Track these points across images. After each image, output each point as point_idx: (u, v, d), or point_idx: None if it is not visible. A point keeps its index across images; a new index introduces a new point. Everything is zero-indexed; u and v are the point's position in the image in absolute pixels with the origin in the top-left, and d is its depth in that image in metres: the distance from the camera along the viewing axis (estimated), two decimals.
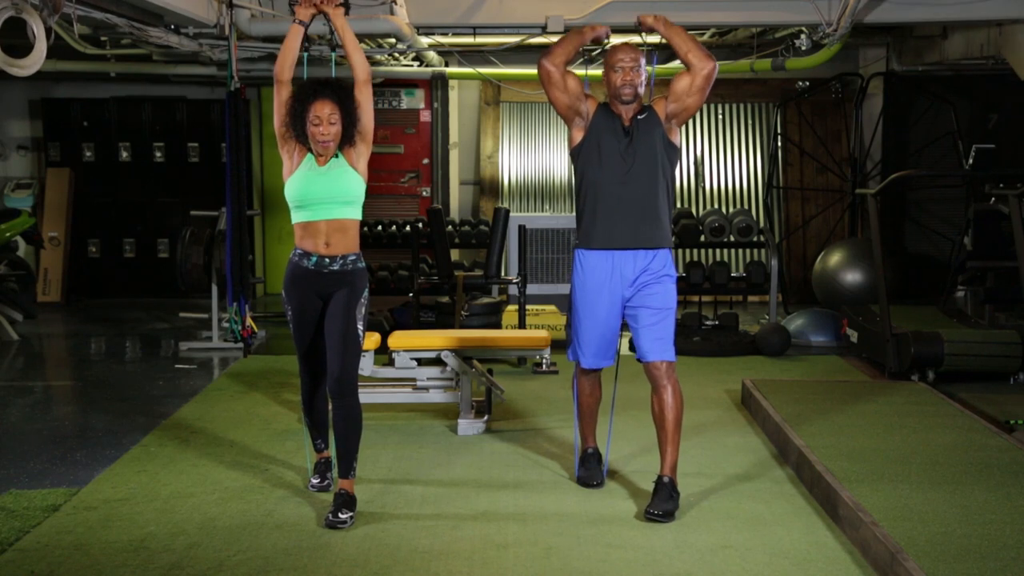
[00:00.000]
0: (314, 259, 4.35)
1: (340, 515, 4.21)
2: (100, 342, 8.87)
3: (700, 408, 6.18)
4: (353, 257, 4.39)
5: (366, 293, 4.42)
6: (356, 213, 4.40)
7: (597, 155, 4.50)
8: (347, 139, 4.34)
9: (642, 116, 4.50)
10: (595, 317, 4.55)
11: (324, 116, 4.27)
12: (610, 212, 4.48)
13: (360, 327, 4.36)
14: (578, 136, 4.57)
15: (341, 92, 4.33)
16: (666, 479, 4.40)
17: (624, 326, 4.66)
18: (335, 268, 4.35)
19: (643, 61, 4.48)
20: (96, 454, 5.26)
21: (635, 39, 9.11)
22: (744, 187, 10.95)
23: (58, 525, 4.21)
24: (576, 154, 4.59)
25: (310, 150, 4.36)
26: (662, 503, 4.31)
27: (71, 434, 5.72)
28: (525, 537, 4.09)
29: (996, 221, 7.80)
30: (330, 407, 4.50)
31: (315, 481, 4.68)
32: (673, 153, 4.56)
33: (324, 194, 4.32)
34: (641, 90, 4.47)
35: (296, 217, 4.37)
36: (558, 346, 6.88)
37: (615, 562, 3.85)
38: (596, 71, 9.08)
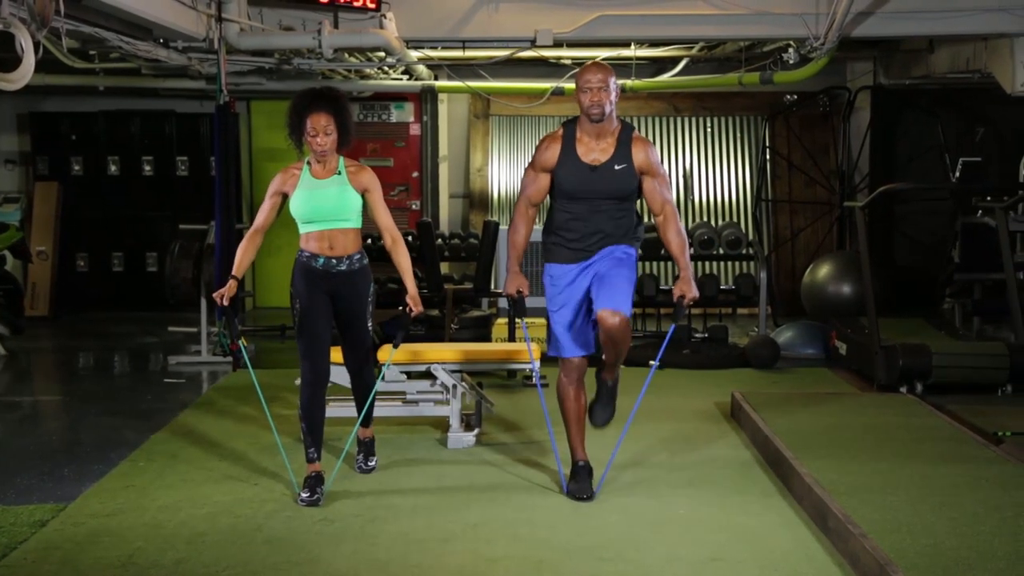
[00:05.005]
0: (321, 260, 4.71)
1: (369, 463, 5.12)
2: (88, 356, 8.84)
3: (689, 420, 6.18)
4: (358, 256, 4.79)
5: (372, 289, 4.86)
6: (357, 223, 4.78)
7: (566, 183, 4.71)
8: (343, 145, 4.68)
9: (620, 167, 4.66)
10: (565, 303, 4.75)
11: (320, 127, 4.59)
12: (575, 237, 4.72)
13: (369, 323, 4.86)
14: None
15: (335, 103, 4.64)
16: (610, 383, 4.84)
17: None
18: (342, 268, 4.73)
19: (612, 80, 4.63)
20: (84, 469, 5.24)
21: (625, 52, 9.17)
22: (733, 200, 10.99)
23: (46, 541, 4.19)
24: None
25: (306, 162, 4.70)
26: (604, 409, 4.87)
27: (59, 449, 5.69)
28: (515, 551, 4.08)
29: (983, 234, 7.84)
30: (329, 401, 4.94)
31: (305, 495, 4.66)
32: (635, 180, 4.74)
33: (327, 213, 4.68)
34: (608, 108, 4.61)
35: (303, 229, 4.75)
36: (548, 360, 6.88)
37: (606, 575, 3.84)
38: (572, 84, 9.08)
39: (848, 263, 8.94)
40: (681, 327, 8.54)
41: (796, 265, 10.49)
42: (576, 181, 4.65)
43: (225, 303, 4.67)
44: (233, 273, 4.77)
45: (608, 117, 4.61)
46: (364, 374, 4.99)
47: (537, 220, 4.94)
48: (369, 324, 4.86)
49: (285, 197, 4.74)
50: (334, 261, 4.71)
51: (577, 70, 4.77)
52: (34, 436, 6.03)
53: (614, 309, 4.53)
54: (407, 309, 4.80)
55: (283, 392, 6.63)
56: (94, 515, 4.50)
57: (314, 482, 4.70)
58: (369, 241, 8.97)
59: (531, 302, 7.78)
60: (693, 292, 4.67)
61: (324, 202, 4.65)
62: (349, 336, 4.89)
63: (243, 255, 4.77)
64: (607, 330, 4.56)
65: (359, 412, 5.05)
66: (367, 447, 5.16)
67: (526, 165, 4.89)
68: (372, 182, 4.75)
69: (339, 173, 4.69)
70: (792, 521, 4.41)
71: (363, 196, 4.74)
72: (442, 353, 5.82)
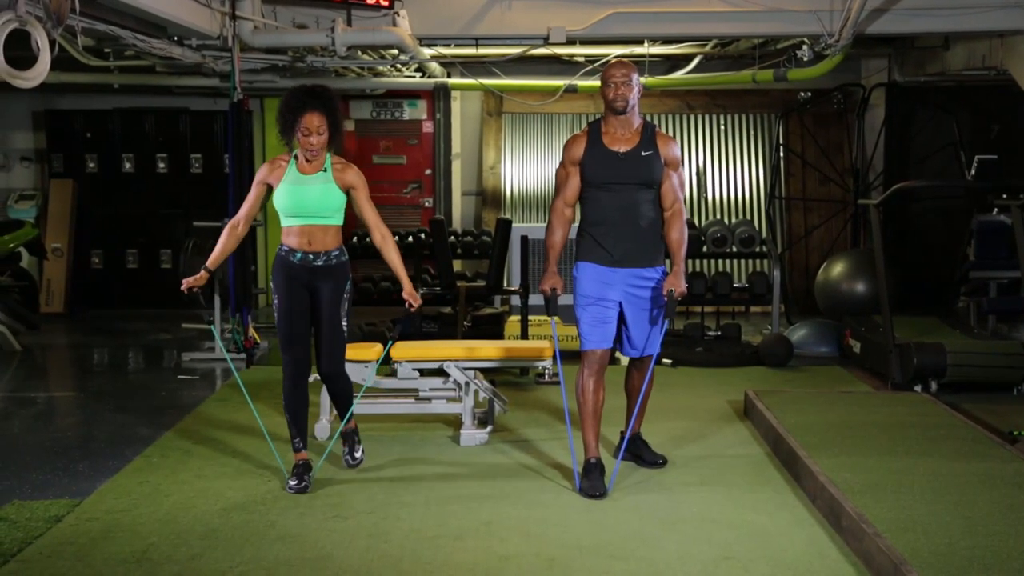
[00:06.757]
0: (299, 255, 4.74)
1: (356, 454, 5.07)
2: (102, 353, 8.88)
3: (702, 418, 6.17)
4: (336, 252, 4.80)
5: (348, 285, 4.85)
6: (339, 221, 4.81)
7: (595, 172, 4.84)
8: (333, 143, 4.74)
9: (646, 153, 4.82)
10: (593, 300, 4.83)
11: (313, 127, 4.65)
12: (606, 231, 4.82)
13: (344, 322, 4.83)
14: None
15: (329, 103, 4.70)
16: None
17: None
18: (319, 264, 4.75)
19: (635, 76, 4.80)
20: (98, 465, 5.26)
21: (638, 50, 9.15)
22: (746, 198, 10.96)
23: (60, 536, 4.21)
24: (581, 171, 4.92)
25: (293, 156, 4.76)
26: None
27: (73, 445, 5.72)
28: (528, 549, 4.08)
29: (999, 232, 7.80)
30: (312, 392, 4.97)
31: (293, 483, 4.76)
32: (661, 167, 4.89)
33: (309, 208, 4.71)
34: (631, 102, 4.79)
35: (284, 222, 4.80)
36: (561, 357, 6.88)
37: (617, 573, 3.84)
38: (594, 82, 9.09)
39: (862, 261, 8.91)
40: (693, 325, 8.54)
41: (810, 263, 10.46)
42: (605, 168, 4.81)
43: (185, 291, 4.74)
44: (207, 265, 4.82)
45: (631, 110, 4.81)
46: (338, 380, 4.91)
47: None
48: (344, 322, 4.82)
49: (270, 188, 4.80)
50: (311, 256, 4.73)
51: (603, 68, 4.90)
52: (49, 432, 6.06)
53: (644, 367, 5.01)
54: (408, 305, 4.86)
55: None
56: (108, 511, 4.52)
57: (301, 470, 4.80)
58: (367, 239, 9.01)
59: (541, 300, 7.77)
60: (682, 287, 4.79)
61: (307, 198, 4.69)
62: (323, 332, 4.79)
63: (222, 248, 4.82)
64: (635, 380, 5.08)
65: (340, 413, 5.05)
66: (350, 438, 5.11)
67: (557, 165, 5.00)
68: (358, 179, 4.80)
69: (325, 170, 4.74)
70: (805, 520, 4.40)
71: (349, 193, 4.79)
72: (454, 350, 5.82)
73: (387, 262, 4.92)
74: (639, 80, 4.84)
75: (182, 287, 4.75)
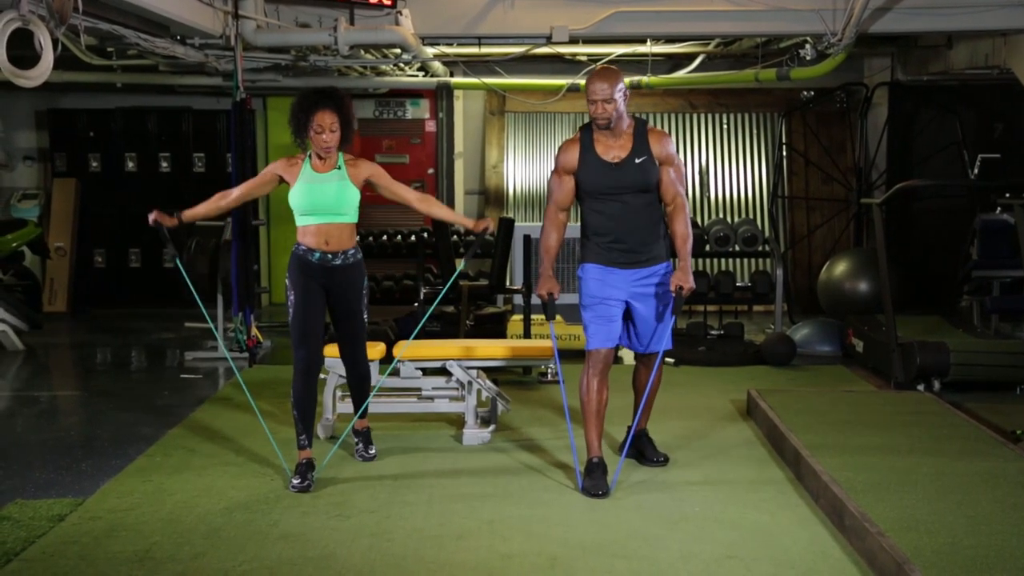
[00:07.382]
0: (317, 255, 4.84)
1: (370, 451, 5.26)
2: (106, 352, 8.89)
3: (705, 417, 6.17)
4: (352, 251, 4.93)
5: (365, 282, 5.01)
6: (354, 218, 4.92)
7: (590, 183, 4.83)
8: (345, 142, 4.82)
9: (640, 160, 4.78)
10: (598, 300, 4.83)
11: (326, 125, 4.74)
12: (609, 240, 4.83)
13: (364, 315, 5.02)
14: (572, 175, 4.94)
15: (340, 102, 4.81)
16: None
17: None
18: (337, 263, 4.87)
19: (618, 87, 4.71)
20: (101, 464, 5.27)
21: (641, 49, 9.12)
22: (749, 197, 10.96)
23: (63, 535, 4.22)
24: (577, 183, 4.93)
25: (307, 156, 4.84)
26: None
27: (77, 444, 5.73)
28: (530, 548, 4.08)
29: (1002, 231, 7.79)
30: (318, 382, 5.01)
31: (296, 482, 4.78)
32: (656, 170, 4.86)
33: (326, 206, 4.79)
34: (615, 116, 4.73)
35: (300, 221, 4.87)
36: (563, 356, 6.88)
37: (620, 572, 3.84)
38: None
39: (865, 260, 8.90)
40: (695, 324, 8.53)
41: (812, 262, 10.46)
42: (600, 179, 4.78)
43: (151, 222, 4.93)
44: (181, 214, 4.95)
45: (618, 121, 4.76)
46: (360, 365, 5.13)
47: (574, 219, 5.06)
48: (365, 316, 5.01)
49: (281, 181, 4.90)
50: (330, 256, 4.84)
51: (588, 78, 4.87)
52: (52, 431, 6.07)
53: (651, 363, 5.01)
54: (482, 232, 4.98)
55: None
56: (111, 510, 4.52)
57: (305, 468, 4.83)
58: (371, 239, 9.01)
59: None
60: (690, 283, 4.77)
61: (324, 196, 4.78)
62: (346, 329, 5.02)
63: (203, 210, 4.96)
64: (642, 379, 5.07)
65: (355, 404, 5.23)
66: (365, 436, 5.32)
67: (550, 170, 5.01)
68: (373, 169, 4.95)
69: (339, 168, 4.84)
70: (808, 519, 4.40)
71: (371, 183, 4.91)
72: (457, 349, 5.82)
73: (440, 218, 5.20)
74: (624, 87, 4.73)
75: (149, 216, 4.90)
